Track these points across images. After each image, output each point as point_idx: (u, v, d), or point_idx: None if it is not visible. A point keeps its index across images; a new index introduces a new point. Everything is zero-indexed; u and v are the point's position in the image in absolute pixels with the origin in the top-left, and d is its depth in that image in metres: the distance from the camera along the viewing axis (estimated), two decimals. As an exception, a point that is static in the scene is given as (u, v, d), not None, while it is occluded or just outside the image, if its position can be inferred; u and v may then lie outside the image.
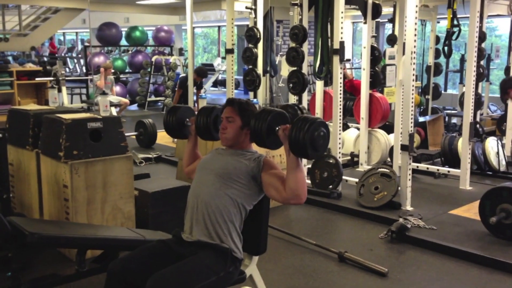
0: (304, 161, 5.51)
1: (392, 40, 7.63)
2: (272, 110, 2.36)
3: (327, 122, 6.55)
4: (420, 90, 8.97)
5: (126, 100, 10.09)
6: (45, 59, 16.06)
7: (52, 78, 9.90)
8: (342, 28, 4.97)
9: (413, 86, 4.57)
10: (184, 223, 2.44)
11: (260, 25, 6.34)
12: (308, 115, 2.28)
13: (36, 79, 10.11)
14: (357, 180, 5.02)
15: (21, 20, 10.97)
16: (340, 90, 5.10)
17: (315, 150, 2.22)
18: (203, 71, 8.42)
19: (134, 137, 7.63)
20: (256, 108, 2.54)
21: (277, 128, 2.29)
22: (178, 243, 2.40)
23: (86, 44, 13.19)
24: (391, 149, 5.95)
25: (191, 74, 7.23)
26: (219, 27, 17.37)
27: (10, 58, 16.75)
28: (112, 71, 10.12)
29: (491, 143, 5.94)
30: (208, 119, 2.63)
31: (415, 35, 4.52)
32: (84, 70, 14.10)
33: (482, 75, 7.02)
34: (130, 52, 14.22)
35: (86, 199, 3.48)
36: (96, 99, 9.17)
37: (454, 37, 6.46)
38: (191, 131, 2.76)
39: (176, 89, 8.64)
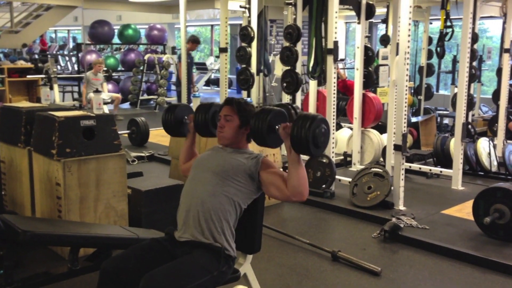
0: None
1: (385, 40, 7.66)
2: (272, 109, 2.38)
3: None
4: (412, 91, 9.01)
5: (118, 95, 10.06)
6: (37, 56, 15.96)
7: (43, 76, 9.85)
8: (336, 28, 4.98)
9: (406, 86, 4.59)
10: (177, 220, 2.43)
11: (254, 24, 6.34)
12: (308, 113, 2.30)
13: (28, 76, 10.05)
14: (350, 179, 5.04)
15: (13, 17, 10.88)
16: (334, 90, 5.11)
17: (317, 147, 2.24)
18: (197, 38, 8.39)
19: (126, 135, 7.59)
20: (254, 108, 2.54)
21: (277, 127, 2.31)
22: (172, 242, 2.39)
23: (84, 42, 13.11)
24: (384, 149, 5.97)
25: (184, 72, 7.21)
26: (212, 26, 17.36)
27: (1, 55, 16.66)
28: (105, 68, 10.08)
29: (483, 144, 5.98)
30: (206, 115, 2.63)
31: (409, 35, 4.53)
32: (76, 68, 14.03)
33: (474, 76, 7.06)
34: (122, 50, 14.15)
35: (78, 197, 3.46)
36: (88, 96, 9.13)
37: (447, 38, 6.49)
38: (189, 129, 2.75)
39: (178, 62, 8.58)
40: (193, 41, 8.10)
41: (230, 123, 2.48)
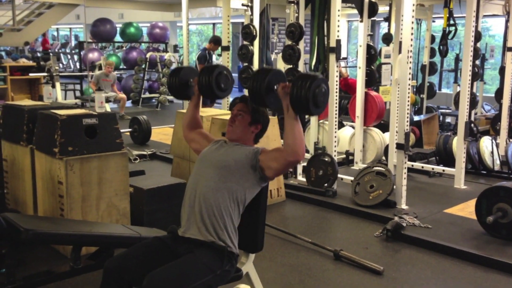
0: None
1: (387, 39, 7.64)
2: (270, 69, 2.39)
3: (322, 121, 6.56)
4: (415, 89, 8.99)
5: (123, 96, 10.06)
6: (39, 54, 15.96)
7: (45, 74, 9.85)
8: (338, 26, 4.96)
9: (409, 85, 4.58)
10: (181, 216, 2.43)
11: (256, 23, 6.32)
12: (308, 73, 2.29)
13: (30, 74, 10.05)
14: (352, 178, 5.03)
15: (15, 15, 10.88)
16: (336, 89, 5.10)
17: (316, 106, 2.24)
18: (219, 39, 8.36)
19: (128, 133, 7.60)
20: (267, 111, 2.56)
21: (275, 86, 2.30)
22: (174, 240, 2.39)
23: (86, 40, 13.11)
24: (386, 147, 5.95)
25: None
26: (213, 24, 17.34)
27: (3, 53, 16.67)
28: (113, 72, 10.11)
29: (485, 143, 5.96)
30: (210, 77, 2.60)
31: (412, 34, 4.52)
32: (78, 66, 14.03)
33: (477, 75, 7.03)
34: (124, 48, 14.15)
35: (81, 195, 3.46)
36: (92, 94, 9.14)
37: (450, 36, 6.48)
38: (194, 91, 2.73)
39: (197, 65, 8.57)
40: (215, 42, 8.09)
41: (241, 118, 2.51)
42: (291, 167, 2.40)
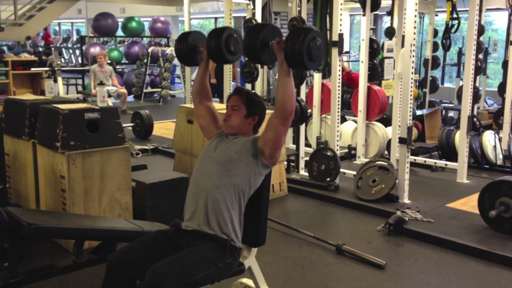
0: (301, 152, 5.51)
1: (390, 33, 7.58)
2: (265, 24, 2.36)
3: (324, 115, 6.53)
4: (417, 84, 8.96)
5: (124, 91, 10.05)
6: (40, 49, 15.95)
7: (47, 68, 9.84)
8: (341, 20, 4.94)
9: (412, 79, 4.56)
10: (184, 210, 2.43)
11: (258, 17, 6.30)
12: (304, 26, 2.27)
13: (32, 69, 10.05)
14: (354, 173, 5.02)
15: (17, 10, 10.86)
16: (339, 83, 5.08)
17: (311, 60, 2.21)
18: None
19: (130, 128, 7.59)
20: (263, 100, 2.53)
21: (271, 42, 2.28)
22: (177, 234, 2.39)
23: (88, 34, 13.09)
24: (389, 142, 5.94)
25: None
26: (215, 18, 17.28)
27: (5, 48, 16.66)
28: (108, 61, 10.06)
29: (488, 137, 5.95)
30: (219, 40, 2.51)
31: (415, 28, 4.50)
32: (80, 61, 14.02)
33: (480, 69, 7.00)
34: (126, 43, 14.13)
35: (83, 190, 3.46)
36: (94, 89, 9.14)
37: (453, 30, 6.45)
38: (203, 57, 2.65)
39: None
40: None
41: (237, 112, 2.48)
42: (284, 129, 2.35)
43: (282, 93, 2.27)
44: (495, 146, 5.94)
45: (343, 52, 5.13)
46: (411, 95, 4.56)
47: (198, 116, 2.71)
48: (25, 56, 10.62)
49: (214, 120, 2.67)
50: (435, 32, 8.76)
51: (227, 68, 6.96)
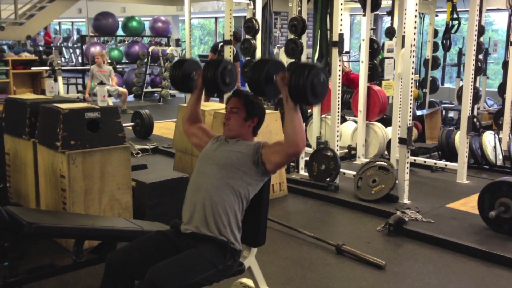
0: (302, 153, 5.51)
1: (390, 33, 7.60)
2: (270, 59, 2.38)
3: (324, 115, 6.53)
4: (418, 84, 8.96)
5: (124, 90, 10.05)
6: (41, 48, 15.95)
7: (48, 68, 9.84)
8: (341, 20, 4.94)
9: (412, 79, 4.56)
10: (183, 213, 2.43)
11: (258, 17, 6.30)
12: (307, 62, 2.28)
13: (32, 68, 10.05)
14: (354, 173, 5.02)
15: (17, 9, 10.87)
16: (339, 83, 5.09)
17: (315, 96, 2.22)
18: (238, 34, 8.31)
19: (130, 128, 7.59)
20: (262, 102, 2.54)
21: (275, 76, 2.30)
22: (177, 235, 2.39)
23: (88, 34, 13.10)
24: (389, 142, 5.94)
25: None
26: (216, 18, 17.29)
27: (5, 47, 16.66)
28: (109, 60, 10.06)
29: (488, 137, 5.95)
30: (215, 71, 2.57)
31: (415, 28, 4.50)
32: (80, 60, 14.02)
33: (480, 69, 7.01)
34: (126, 42, 14.13)
35: (83, 189, 3.46)
36: (94, 89, 9.15)
37: (453, 30, 6.45)
38: (197, 85, 2.69)
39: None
40: (233, 37, 8.15)
41: (236, 115, 2.47)
42: (292, 159, 2.38)
43: (292, 130, 2.26)
44: (495, 147, 5.94)
45: (343, 52, 5.13)
46: (411, 96, 4.57)
47: (190, 136, 2.74)
48: (25, 56, 10.62)
49: (205, 134, 2.69)
50: (435, 33, 8.77)
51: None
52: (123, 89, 10.08)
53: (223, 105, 5.56)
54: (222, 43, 8.36)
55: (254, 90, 2.39)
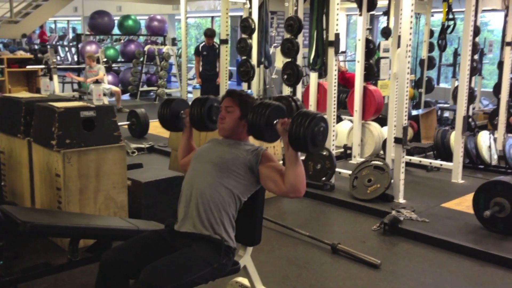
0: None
1: (386, 33, 7.62)
2: (270, 104, 2.36)
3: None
4: (413, 84, 8.99)
5: (117, 89, 10.03)
6: (36, 47, 15.90)
7: (43, 66, 9.81)
8: (337, 20, 4.95)
9: (407, 79, 4.57)
10: (178, 212, 2.43)
11: (255, 16, 6.31)
12: (308, 110, 2.27)
13: (27, 67, 10.02)
14: (350, 172, 5.03)
15: (12, 7, 10.84)
16: (335, 83, 5.09)
17: (315, 145, 2.22)
18: (211, 30, 8.34)
19: (126, 126, 7.58)
20: (256, 100, 2.53)
21: (275, 122, 2.28)
22: (172, 234, 2.39)
23: (84, 32, 13.08)
24: (384, 142, 5.96)
25: (184, 63, 7.18)
26: (212, 17, 17.28)
27: (0, 45, 16.59)
28: (105, 59, 10.03)
29: (483, 137, 5.97)
30: (202, 109, 2.60)
31: (411, 28, 4.51)
32: (76, 59, 13.99)
33: (475, 69, 7.03)
34: (122, 41, 14.10)
35: (78, 188, 3.45)
36: (89, 88, 9.14)
37: (449, 30, 6.46)
38: (185, 123, 2.72)
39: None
40: (206, 35, 8.17)
41: (230, 114, 2.47)
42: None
43: (293, 177, 2.25)
44: (490, 147, 5.96)
45: (340, 52, 5.14)
46: (406, 95, 4.58)
47: (185, 166, 2.70)
48: (20, 54, 10.59)
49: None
50: (431, 33, 8.80)
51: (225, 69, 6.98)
52: (116, 88, 10.05)
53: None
54: (202, 44, 8.39)
55: (253, 134, 2.38)
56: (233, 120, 2.46)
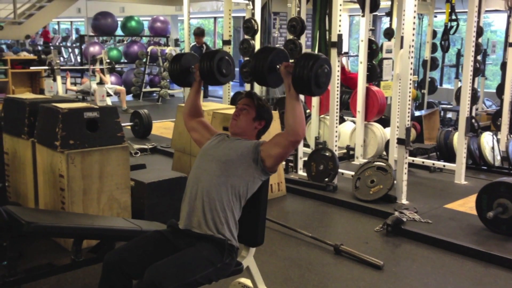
0: (300, 153, 5.51)
1: (389, 33, 7.61)
2: (273, 48, 2.38)
3: (323, 116, 6.55)
4: (416, 85, 8.98)
5: (122, 88, 10.05)
6: (40, 48, 15.93)
7: (46, 67, 9.83)
8: (340, 21, 4.95)
9: (410, 80, 4.57)
10: (181, 210, 2.44)
11: (258, 17, 6.31)
12: (311, 52, 2.28)
13: (31, 68, 10.03)
14: (353, 173, 5.03)
15: (16, 8, 10.85)
16: (338, 83, 5.09)
17: (318, 87, 2.23)
18: (199, 29, 8.32)
19: (129, 127, 7.60)
20: (272, 109, 2.57)
21: (278, 66, 2.30)
22: (175, 234, 2.40)
23: (87, 33, 13.11)
24: (387, 142, 5.95)
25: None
26: (215, 18, 17.30)
27: (4, 46, 16.64)
28: (108, 60, 10.05)
29: (486, 138, 5.96)
30: (211, 63, 2.58)
31: (413, 29, 4.51)
32: (79, 60, 14.01)
33: (478, 70, 7.03)
34: (125, 42, 14.12)
35: (82, 189, 3.46)
36: (92, 88, 9.15)
37: (452, 31, 6.46)
38: (195, 77, 2.71)
39: None
40: (196, 34, 8.16)
41: (246, 113, 2.51)
42: (292, 150, 2.38)
43: (292, 118, 2.27)
44: (493, 148, 5.95)
45: (342, 52, 5.14)
46: (409, 96, 4.58)
47: (191, 130, 2.73)
48: (24, 55, 10.61)
49: (206, 130, 2.69)
50: (434, 33, 8.79)
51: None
52: (120, 87, 10.07)
53: (222, 105, 5.57)
54: (192, 45, 8.38)
55: (256, 79, 2.40)
56: (247, 119, 2.51)
